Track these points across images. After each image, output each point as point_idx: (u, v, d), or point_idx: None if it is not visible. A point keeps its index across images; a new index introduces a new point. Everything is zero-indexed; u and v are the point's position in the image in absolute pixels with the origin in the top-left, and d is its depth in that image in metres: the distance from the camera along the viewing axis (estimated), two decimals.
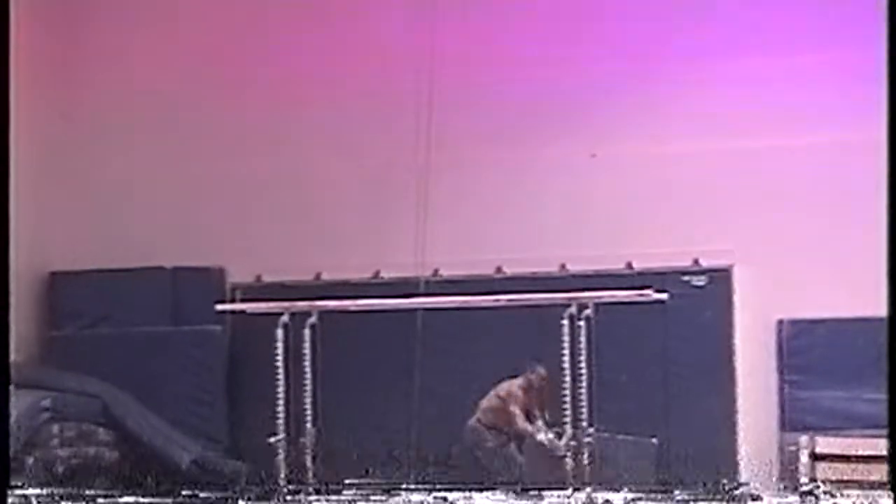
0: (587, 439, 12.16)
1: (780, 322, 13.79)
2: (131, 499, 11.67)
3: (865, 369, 13.14)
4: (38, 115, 13.75)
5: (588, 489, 11.95)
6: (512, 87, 14.39)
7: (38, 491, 11.87)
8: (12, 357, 11.83)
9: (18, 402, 12.05)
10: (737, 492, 12.46)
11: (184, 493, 12.03)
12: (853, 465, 12.73)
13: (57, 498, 11.79)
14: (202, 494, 12.02)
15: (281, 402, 12.28)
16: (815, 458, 13.05)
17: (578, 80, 14.25)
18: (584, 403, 12.18)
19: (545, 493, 12.21)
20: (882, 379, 12.78)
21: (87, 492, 12.18)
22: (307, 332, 12.36)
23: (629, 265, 14.01)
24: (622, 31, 14.11)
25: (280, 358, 12.32)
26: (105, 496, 12.10)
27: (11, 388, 10.67)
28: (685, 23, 13.98)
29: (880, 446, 11.95)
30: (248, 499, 12.21)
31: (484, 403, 13.24)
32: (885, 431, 12.56)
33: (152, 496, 11.88)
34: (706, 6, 14.01)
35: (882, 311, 12.84)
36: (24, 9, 11.53)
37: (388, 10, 14.61)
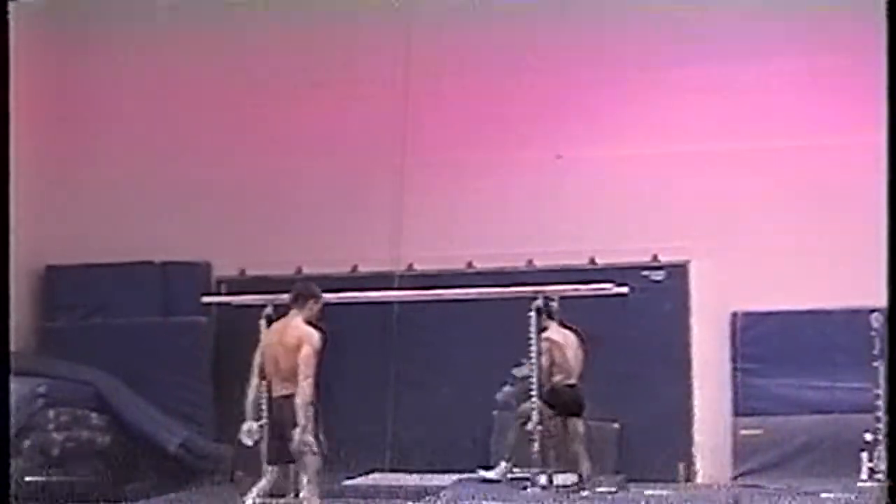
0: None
1: (734, 314, 13.94)
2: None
3: (813, 358, 13.51)
4: (34, 117, 13.48)
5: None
6: (483, 93, 14.54)
7: None
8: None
9: (15, 389, 11.66)
10: None
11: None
12: None
13: None
14: None
15: (264, 388, 12.38)
16: None
17: (546, 86, 14.39)
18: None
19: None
20: (828, 367, 13.53)
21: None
22: None
23: (592, 261, 14.13)
24: (587, 41, 14.27)
25: None
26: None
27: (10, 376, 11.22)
28: (645, 32, 14.13)
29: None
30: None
31: None
32: (827, 416, 13.43)
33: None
34: (667, 16, 14.09)
35: (826, 304, 13.62)
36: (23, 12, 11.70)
37: (366, 18, 14.74)
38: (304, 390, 9.58)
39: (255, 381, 10.09)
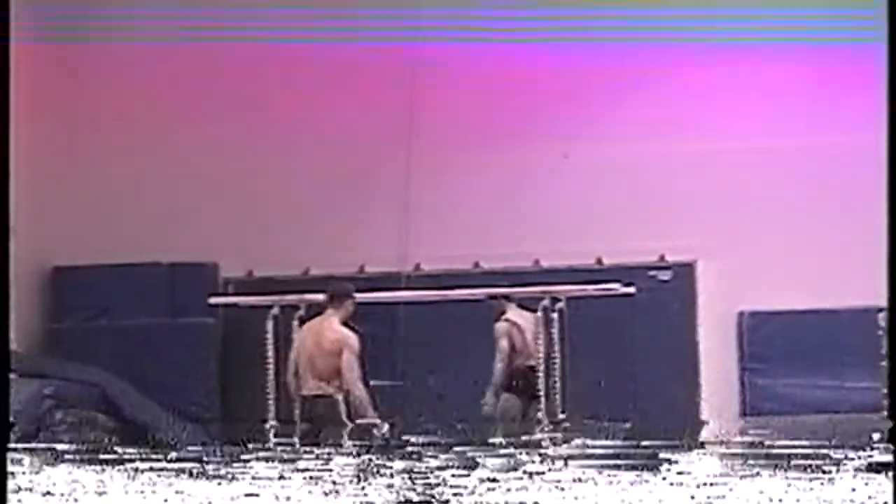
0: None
1: (741, 314, 14.09)
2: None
3: (819, 357, 13.62)
4: (39, 117, 13.74)
5: None
6: (490, 92, 14.56)
7: None
8: (17, 348, 11.94)
9: (22, 391, 12.23)
10: None
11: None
12: None
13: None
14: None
15: (271, 389, 12.15)
16: None
17: (552, 85, 14.46)
18: (557, 390, 12.27)
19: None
20: (835, 367, 13.55)
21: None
22: (296, 323, 12.17)
23: (599, 261, 14.22)
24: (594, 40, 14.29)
25: (270, 348, 12.21)
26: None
27: (16, 377, 10.74)
28: (651, 32, 14.11)
29: None
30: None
31: None
32: (834, 416, 13.39)
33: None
34: (673, 16, 14.11)
35: (833, 303, 13.64)
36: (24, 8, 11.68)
37: (372, 19, 14.69)
38: (354, 393, 9.81)
39: (292, 379, 10.02)
